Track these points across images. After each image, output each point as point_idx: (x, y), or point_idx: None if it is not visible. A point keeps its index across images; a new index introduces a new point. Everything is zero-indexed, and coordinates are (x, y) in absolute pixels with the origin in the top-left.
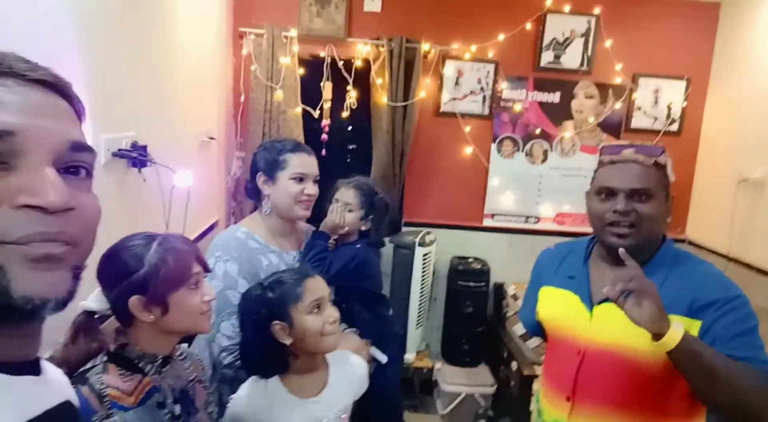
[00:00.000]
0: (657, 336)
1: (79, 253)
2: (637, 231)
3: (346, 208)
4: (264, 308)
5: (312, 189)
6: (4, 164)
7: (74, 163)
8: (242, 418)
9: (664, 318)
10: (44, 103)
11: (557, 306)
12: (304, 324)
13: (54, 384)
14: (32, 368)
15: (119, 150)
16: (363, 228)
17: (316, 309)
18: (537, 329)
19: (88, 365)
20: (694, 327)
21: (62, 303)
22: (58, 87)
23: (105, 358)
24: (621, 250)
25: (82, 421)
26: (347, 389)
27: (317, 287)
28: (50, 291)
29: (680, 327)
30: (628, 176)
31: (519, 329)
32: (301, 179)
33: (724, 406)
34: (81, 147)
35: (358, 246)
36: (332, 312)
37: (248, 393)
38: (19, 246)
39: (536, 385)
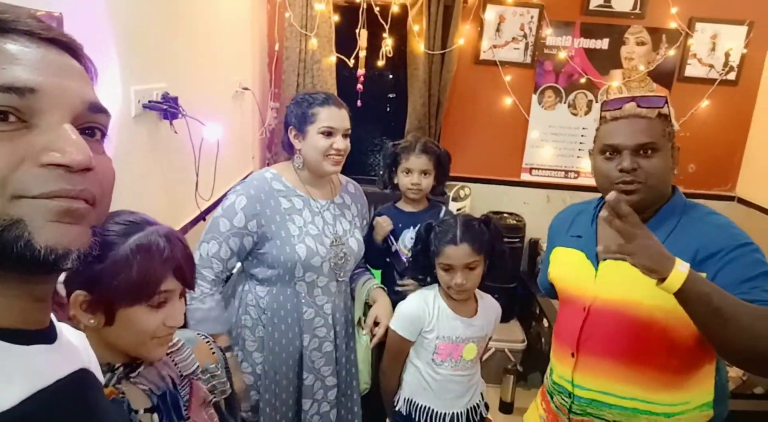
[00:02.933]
0: (661, 280)
1: (98, 213)
2: (644, 187)
3: (422, 175)
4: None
5: (341, 143)
6: (24, 122)
7: (90, 123)
8: (413, 316)
9: (665, 258)
10: (61, 62)
11: (565, 265)
12: None
13: (69, 352)
14: (45, 336)
15: (150, 102)
16: (434, 184)
17: None
18: (551, 291)
19: None
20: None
21: (84, 256)
22: (71, 48)
23: None
24: (611, 195)
25: (100, 391)
26: (488, 322)
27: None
28: (73, 242)
29: (685, 267)
30: (631, 131)
31: None
32: (329, 133)
33: (738, 351)
34: (98, 108)
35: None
36: None
37: (419, 296)
38: (41, 200)
39: None
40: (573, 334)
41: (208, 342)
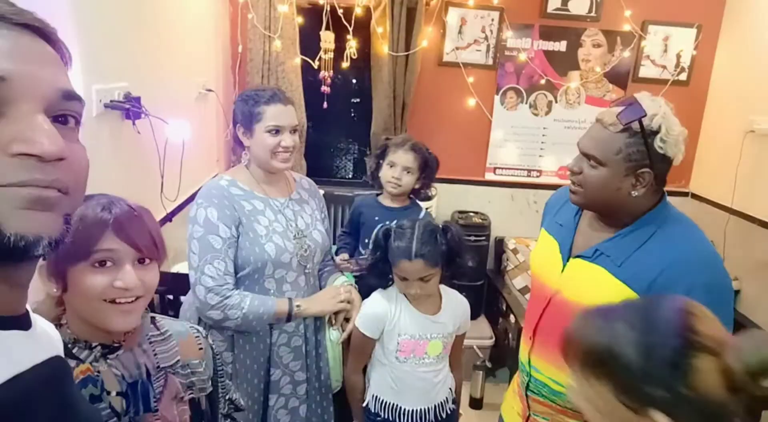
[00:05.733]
0: None
1: (71, 202)
2: (582, 192)
3: (404, 171)
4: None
5: (289, 140)
6: None
7: (64, 111)
8: (375, 316)
9: None
10: (34, 49)
11: (541, 251)
12: None
13: (44, 339)
14: (21, 322)
15: (111, 101)
16: (416, 186)
17: None
18: None
19: None
20: None
21: (55, 243)
22: (45, 33)
23: None
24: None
25: (73, 380)
26: (454, 318)
27: None
28: (43, 229)
29: None
30: (587, 137)
31: (518, 283)
32: (276, 131)
33: None
34: (71, 96)
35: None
36: None
37: (381, 296)
38: (11, 189)
39: None
40: (533, 319)
41: (198, 337)
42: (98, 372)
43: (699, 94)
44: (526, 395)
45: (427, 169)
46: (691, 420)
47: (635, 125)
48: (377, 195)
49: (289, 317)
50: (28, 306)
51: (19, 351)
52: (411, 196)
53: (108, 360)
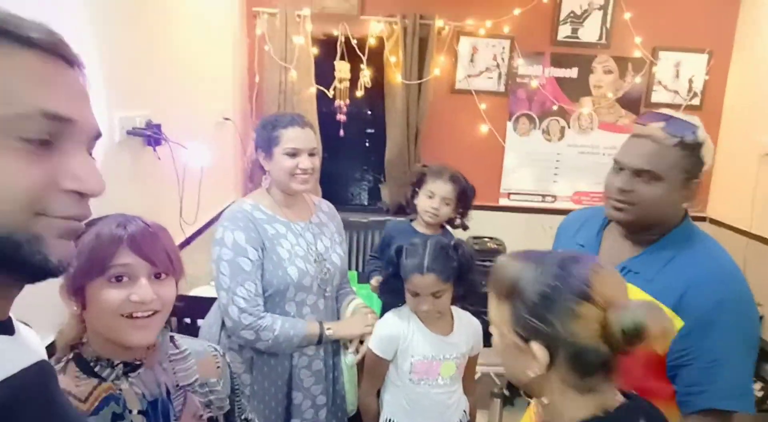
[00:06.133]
0: None
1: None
2: (634, 210)
3: (443, 202)
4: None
5: (306, 162)
6: (50, 144)
7: (91, 147)
8: (389, 337)
9: None
10: (83, 88)
11: None
12: None
13: (29, 344)
14: (5, 327)
15: (133, 128)
16: (451, 216)
17: None
18: None
19: (53, 361)
20: (676, 325)
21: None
22: (77, 63)
23: (70, 356)
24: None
25: (58, 385)
26: (467, 339)
27: None
28: (69, 256)
29: None
30: (638, 153)
31: None
32: (294, 154)
33: None
34: (99, 135)
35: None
36: None
37: (394, 316)
38: (57, 220)
39: None
40: None
41: (215, 356)
42: (120, 390)
43: (712, 118)
44: None
45: (465, 199)
46: (565, 358)
47: (687, 138)
48: (410, 220)
49: (320, 340)
50: (11, 314)
51: (6, 356)
52: (445, 224)
53: (129, 379)
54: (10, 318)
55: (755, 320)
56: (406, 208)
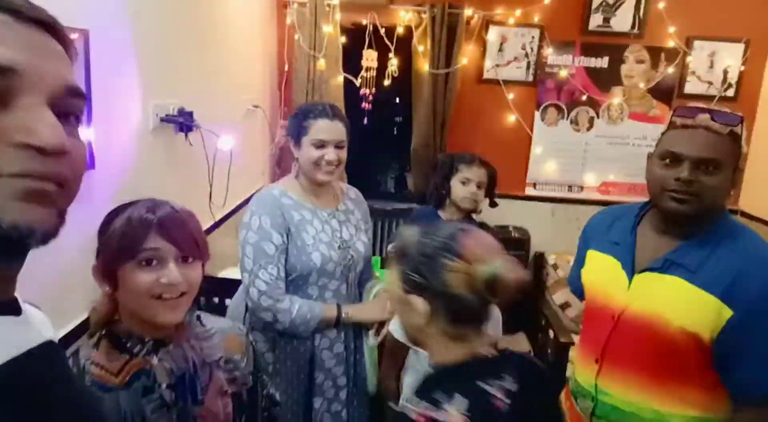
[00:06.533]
0: None
1: (67, 197)
2: (697, 201)
3: (478, 187)
4: None
5: (332, 154)
6: (1, 102)
7: (67, 107)
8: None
9: None
10: (44, 43)
11: (598, 272)
12: None
13: (36, 325)
14: (10, 308)
15: (167, 115)
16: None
17: None
18: (580, 290)
19: (86, 336)
20: (724, 314)
21: (47, 236)
22: (54, 28)
23: (102, 332)
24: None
25: (68, 364)
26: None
27: None
28: (37, 222)
29: None
30: (698, 143)
31: (558, 298)
32: (321, 145)
33: None
34: (76, 92)
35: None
36: None
37: None
38: (9, 179)
39: (572, 353)
40: (599, 341)
41: (239, 334)
42: (150, 365)
43: (748, 110)
44: (591, 421)
45: (493, 181)
46: (441, 309)
47: (736, 128)
48: (435, 208)
49: (337, 323)
50: (17, 294)
51: (13, 336)
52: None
53: (159, 354)
54: (15, 299)
55: None
56: (429, 198)
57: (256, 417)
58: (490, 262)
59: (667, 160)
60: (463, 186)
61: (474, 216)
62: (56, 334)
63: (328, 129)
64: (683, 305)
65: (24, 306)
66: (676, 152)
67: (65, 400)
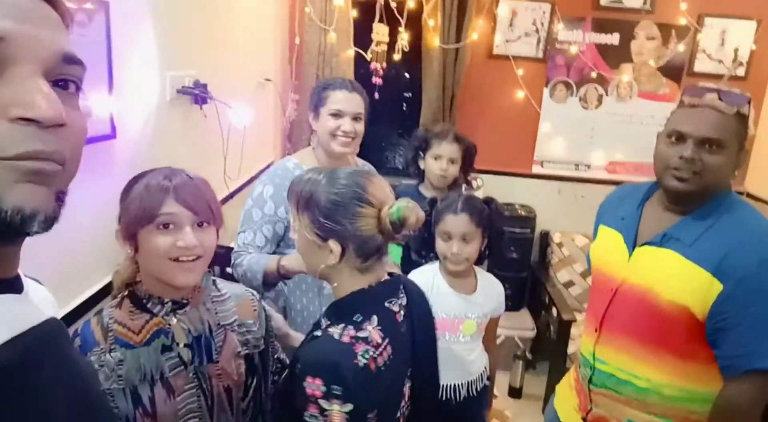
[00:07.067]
0: None
1: (66, 175)
2: (699, 179)
3: (449, 163)
4: None
5: (348, 125)
6: None
7: (64, 76)
8: None
9: None
10: (35, 9)
11: (603, 245)
12: None
13: (38, 302)
14: (12, 286)
15: (183, 87)
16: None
17: None
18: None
19: (110, 297)
20: (715, 288)
21: (50, 221)
22: None
23: (125, 293)
24: None
25: (70, 341)
26: (489, 300)
27: None
28: (40, 204)
29: None
30: (703, 122)
31: (562, 276)
32: (338, 115)
33: None
34: (72, 59)
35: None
36: None
37: (418, 275)
38: (13, 162)
39: (575, 330)
40: (599, 311)
41: (252, 300)
42: (169, 325)
43: (757, 90)
44: (589, 389)
45: (469, 157)
46: (353, 249)
47: (743, 108)
48: (417, 184)
49: (279, 274)
50: (20, 271)
51: (15, 313)
52: (450, 185)
53: (177, 315)
54: (17, 276)
55: None
56: (409, 171)
57: (267, 379)
58: (395, 206)
59: (673, 138)
60: (435, 161)
61: (468, 189)
62: (78, 299)
63: (347, 100)
64: (675, 279)
65: (26, 284)
66: (681, 131)
67: (63, 378)
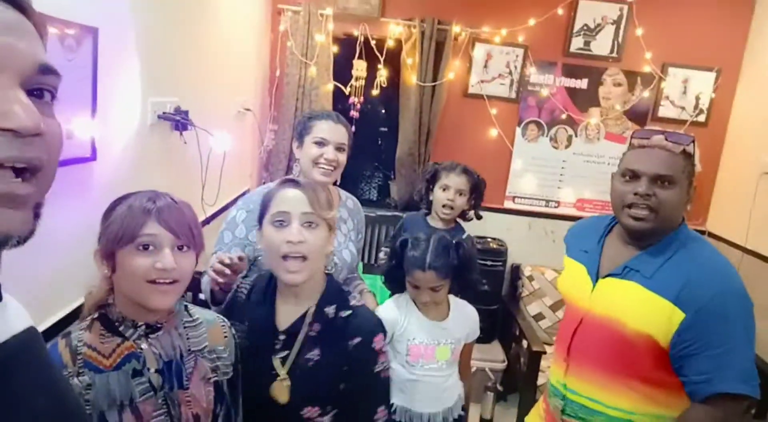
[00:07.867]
0: None
1: (42, 187)
2: (654, 216)
3: (457, 194)
4: None
5: (331, 154)
6: None
7: (40, 85)
8: (385, 320)
9: None
10: (10, 20)
11: (569, 276)
12: None
13: (17, 311)
14: None
15: (164, 113)
16: (464, 208)
17: None
18: None
19: (78, 320)
20: (676, 317)
21: (23, 240)
22: (21, 5)
23: (95, 315)
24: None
25: (47, 350)
26: (461, 326)
27: None
28: (13, 229)
29: None
30: (653, 161)
31: (533, 309)
32: (321, 144)
33: None
34: (48, 69)
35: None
36: None
37: (392, 303)
38: None
39: (545, 362)
40: (566, 340)
41: (223, 326)
42: (140, 349)
43: (717, 135)
44: (562, 420)
45: (477, 191)
46: None
47: (688, 147)
48: (425, 214)
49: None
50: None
51: None
52: (457, 218)
53: (149, 339)
54: None
55: (752, 312)
56: (420, 204)
57: (237, 408)
58: None
59: (627, 177)
60: (443, 192)
61: (461, 222)
62: (50, 319)
63: (331, 129)
64: (639, 308)
65: (4, 294)
66: (635, 169)
67: (42, 386)
